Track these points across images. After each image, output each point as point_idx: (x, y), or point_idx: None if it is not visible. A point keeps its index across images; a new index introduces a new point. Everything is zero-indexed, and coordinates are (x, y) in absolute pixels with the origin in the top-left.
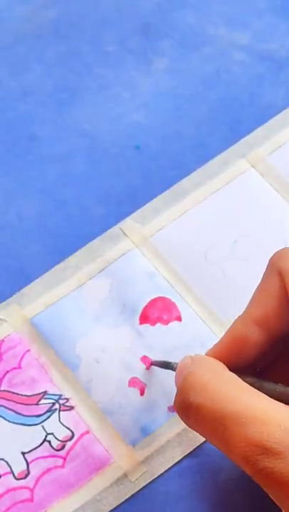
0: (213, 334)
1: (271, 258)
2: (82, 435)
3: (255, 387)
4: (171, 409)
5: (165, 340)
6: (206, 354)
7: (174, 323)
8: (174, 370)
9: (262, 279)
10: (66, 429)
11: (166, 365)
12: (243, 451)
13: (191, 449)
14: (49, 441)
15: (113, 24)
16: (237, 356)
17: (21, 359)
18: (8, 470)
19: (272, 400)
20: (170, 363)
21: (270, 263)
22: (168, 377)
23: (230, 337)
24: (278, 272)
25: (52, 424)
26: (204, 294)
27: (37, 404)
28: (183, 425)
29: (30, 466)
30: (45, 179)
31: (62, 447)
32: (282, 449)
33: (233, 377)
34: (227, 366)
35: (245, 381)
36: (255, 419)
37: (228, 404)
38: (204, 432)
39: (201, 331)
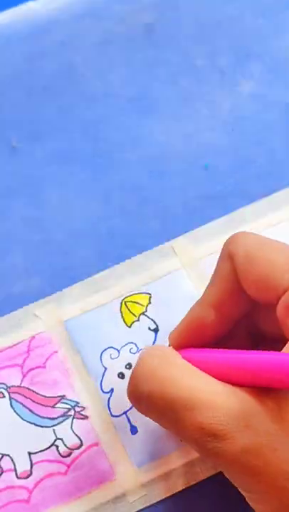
0: None
1: (224, 243)
2: (90, 446)
3: None
4: None
5: None
6: (169, 336)
7: None
8: None
9: (216, 264)
10: (76, 437)
11: None
12: (194, 435)
13: (195, 482)
14: (57, 446)
15: (208, 39)
16: (195, 338)
17: (47, 359)
18: (12, 467)
19: (219, 382)
20: None
21: (223, 247)
22: None
23: (189, 319)
24: (229, 255)
25: (63, 429)
26: None
27: (53, 407)
28: (191, 456)
29: (34, 467)
30: (109, 184)
31: (69, 455)
32: (227, 431)
33: (182, 363)
34: (187, 347)
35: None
36: (202, 404)
37: (177, 390)
38: (156, 418)
39: None
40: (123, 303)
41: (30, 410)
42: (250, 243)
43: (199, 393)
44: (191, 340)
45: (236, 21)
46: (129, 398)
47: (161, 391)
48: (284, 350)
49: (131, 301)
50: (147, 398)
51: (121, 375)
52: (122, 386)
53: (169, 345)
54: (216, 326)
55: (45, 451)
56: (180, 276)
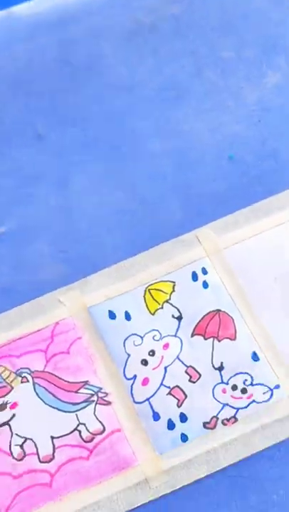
0: (265, 359)
1: None
2: (112, 432)
3: None
4: (206, 425)
5: (214, 356)
6: None
7: (226, 341)
8: None
9: None
10: (99, 423)
11: None
12: None
13: (217, 469)
14: (79, 431)
15: (235, 31)
16: None
17: (71, 345)
18: (34, 451)
19: None
20: None
21: None
22: (209, 394)
23: None
24: None
25: (86, 414)
26: (265, 317)
27: (76, 392)
28: (214, 444)
29: (56, 451)
30: (134, 174)
31: (91, 440)
32: None
33: None
34: None
35: None
36: None
37: None
38: None
39: (251, 354)
40: (147, 290)
41: (54, 395)
42: None
43: None
44: None
45: (263, 13)
46: None
47: None
48: None
49: (155, 289)
50: None
51: (144, 362)
52: (144, 373)
53: None
54: None
55: (67, 436)
56: (204, 264)
